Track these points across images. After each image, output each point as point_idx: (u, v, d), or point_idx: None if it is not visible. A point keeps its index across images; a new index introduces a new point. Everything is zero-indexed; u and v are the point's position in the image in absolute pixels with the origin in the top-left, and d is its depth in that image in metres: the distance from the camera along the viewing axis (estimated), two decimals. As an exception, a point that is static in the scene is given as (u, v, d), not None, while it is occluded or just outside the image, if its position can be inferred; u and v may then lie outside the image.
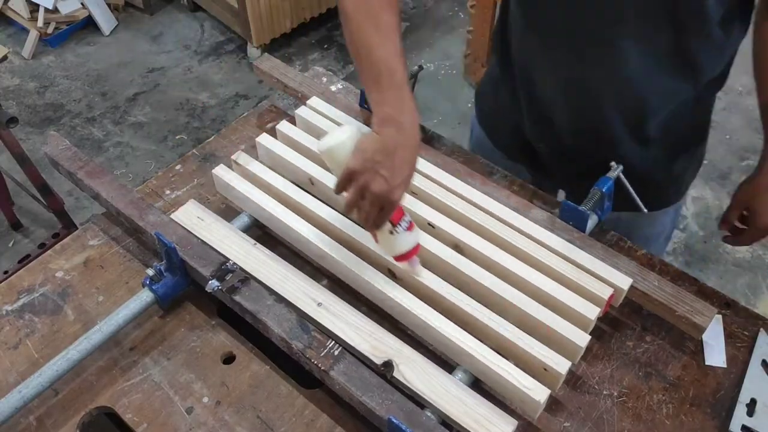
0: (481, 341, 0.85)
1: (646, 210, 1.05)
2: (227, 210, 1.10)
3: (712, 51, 0.95)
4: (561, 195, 1.24)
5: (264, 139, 1.11)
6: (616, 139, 1.05)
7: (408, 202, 1.00)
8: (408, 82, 0.83)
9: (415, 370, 0.83)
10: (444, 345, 0.88)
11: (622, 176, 1.01)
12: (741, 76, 1.15)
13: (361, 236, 0.97)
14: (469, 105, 2.74)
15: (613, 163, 1.02)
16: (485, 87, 1.26)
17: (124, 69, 3.06)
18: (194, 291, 0.97)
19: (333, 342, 0.85)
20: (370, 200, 0.80)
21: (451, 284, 0.91)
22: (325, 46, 3.17)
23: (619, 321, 0.96)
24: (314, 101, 1.17)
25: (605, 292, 0.90)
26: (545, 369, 0.83)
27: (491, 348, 0.85)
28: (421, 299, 0.89)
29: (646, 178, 1.06)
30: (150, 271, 0.93)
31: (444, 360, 0.90)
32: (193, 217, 1.01)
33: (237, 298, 0.89)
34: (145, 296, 0.92)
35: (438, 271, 0.93)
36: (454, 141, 1.21)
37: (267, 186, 1.04)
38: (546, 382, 0.82)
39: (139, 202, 1.01)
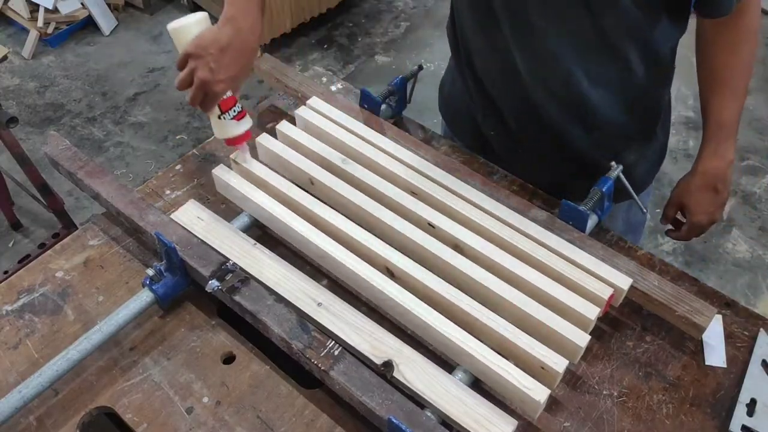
0: (480, 340, 0.85)
1: (645, 211, 1.05)
2: (227, 210, 1.10)
3: (635, 40, 0.96)
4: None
5: (264, 139, 1.11)
6: (557, 125, 1.06)
7: (408, 202, 1.00)
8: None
9: (415, 370, 0.83)
10: (444, 345, 0.88)
11: (622, 176, 1.01)
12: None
13: (361, 236, 0.97)
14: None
15: (613, 163, 1.02)
16: (445, 77, 1.28)
17: (124, 69, 3.06)
18: (194, 291, 0.97)
19: (333, 342, 0.85)
20: (196, 84, 0.90)
21: (451, 284, 0.91)
22: (325, 46, 3.17)
23: (619, 321, 0.96)
24: (314, 101, 1.17)
25: (605, 292, 0.90)
26: (543, 368, 0.83)
27: (490, 347, 0.85)
28: (421, 299, 0.89)
29: (595, 166, 1.06)
30: (150, 271, 0.93)
31: (444, 360, 0.90)
32: (193, 217, 1.01)
33: (237, 298, 0.89)
34: (145, 296, 0.92)
35: (438, 271, 0.93)
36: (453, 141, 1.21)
37: (267, 186, 1.04)
38: (543, 380, 0.82)
39: (139, 202, 1.01)
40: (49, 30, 3.12)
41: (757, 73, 2.89)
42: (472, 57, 1.09)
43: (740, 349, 0.93)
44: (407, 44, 3.19)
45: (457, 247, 0.96)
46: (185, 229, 0.98)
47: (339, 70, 3.04)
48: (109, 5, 3.28)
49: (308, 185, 1.06)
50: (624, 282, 0.92)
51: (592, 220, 1.01)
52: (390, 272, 0.94)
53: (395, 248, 0.96)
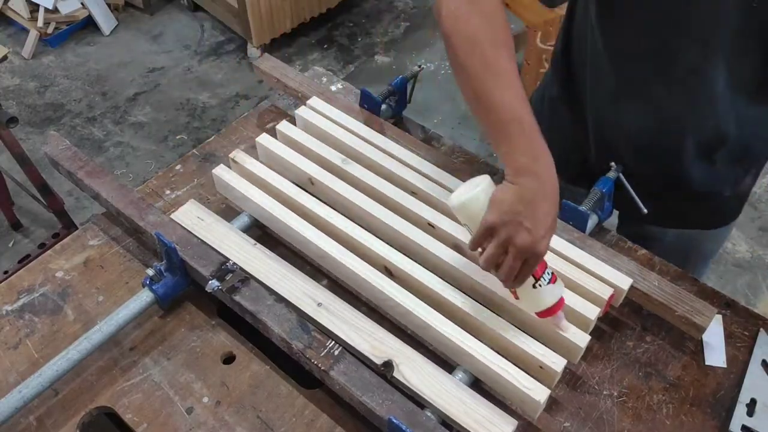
0: (479, 340, 0.85)
1: (645, 211, 1.05)
2: (227, 210, 1.10)
3: None
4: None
5: (264, 139, 1.11)
6: (685, 161, 1.00)
7: (408, 202, 1.00)
8: (538, 129, 0.78)
9: (415, 370, 0.83)
10: (444, 345, 0.88)
11: (622, 176, 1.01)
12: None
13: (361, 236, 0.97)
14: (469, 105, 2.73)
15: (613, 164, 1.02)
16: (539, 105, 1.17)
17: (124, 69, 3.06)
18: (194, 291, 0.97)
19: (333, 342, 0.85)
20: (514, 254, 0.76)
21: (451, 284, 0.91)
22: (325, 46, 3.17)
23: (619, 321, 0.96)
24: (314, 101, 1.17)
25: (605, 292, 0.90)
26: (541, 367, 0.83)
27: (489, 347, 0.85)
28: (421, 299, 0.89)
29: (713, 196, 1.04)
30: (150, 271, 0.93)
31: (444, 360, 0.90)
32: (193, 217, 1.01)
33: (237, 298, 0.89)
34: (145, 296, 0.92)
35: (438, 271, 0.93)
36: (454, 141, 1.21)
37: (267, 186, 1.04)
38: (542, 380, 0.82)
39: (139, 202, 1.01)
40: (49, 30, 3.12)
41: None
42: (601, 94, 1.01)
43: (740, 349, 0.93)
44: (407, 44, 3.19)
45: (457, 247, 0.96)
46: (185, 229, 0.98)
47: (339, 70, 3.04)
48: (109, 5, 3.28)
49: (308, 185, 1.06)
50: (624, 282, 0.92)
51: (592, 220, 1.01)
52: (389, 272, 0.94)
53: (395, 248, 0.96)
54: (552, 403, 0.87)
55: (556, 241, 0.96)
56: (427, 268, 0.93)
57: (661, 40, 0.88)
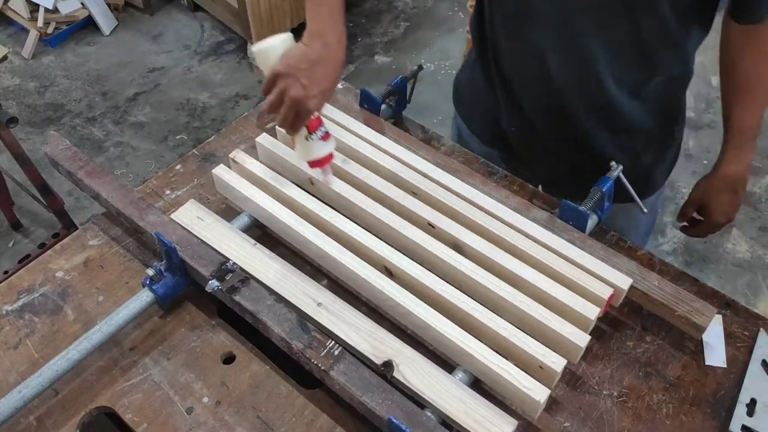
0: (479, 340, 0.85)
1: (645, 210, 1.05)
2: (227, 210, 1.10)
3: (670, 46, 0.97)
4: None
5: (264, 139, 1.11)
6: (584, 127, 1.07)
7: (408, 202, 1.00)
8: (343, 14, 0.91)
9: (415, 370, 0.83)
10: (444, 345, 0.88)
11: (622, 176, 1.01)
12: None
13: (361, 236, 0.97)
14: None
15: (613, 163, 1.02)
16: (463, 73, 1.29)
17: (124, 69, 3.06)
18: (194, 291, 0.97)
19: (333, 342, 0.85)
20: (288, 104, 0.87)
21: (451, 284, 0.91)
22: (325, 46, 3.17)
23: (619, 321, 0.96)
24: (314, 101, 1.17)
25: (605, 292, 0.90)
26: (541, 367, 0.83)
27: (489, 347, 0.85)
28: (421, 299, 0.89)
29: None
30: (150, 271, 0.93)
31: (444, 360, 0.90)
32: (193, 217, 1.01)
33: (237, 298, 0.89)
34: (145, 296, 0.92)
35: (438, 271, 0.93)
36: (454, 141, 1.21)
37: (267, 186, 1.04)
38: (542, 380, 0.82)
39: (139, 202, 1.01)
40: (49, 30, 3.12)
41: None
42: (500, 56, 1.09)
43: (740, 349, 0.93)
44: (407, 44, 3.19)
45: (457, 247, 0.96)
46: (185, 229, 0.98)
47: (339, 70, 3.04)
48: (109, 5, 3.28)
49: (308, 185, 1.06)
50: (624, 282, 0.92)
51: (592, 220, 1.01)
52: (389, 272, 0.94)
53: (395, 248, 0.96)
54: (552, 403, 0.87)
55: (556, 241, 0.96)
56: (427, 268, 0.93)
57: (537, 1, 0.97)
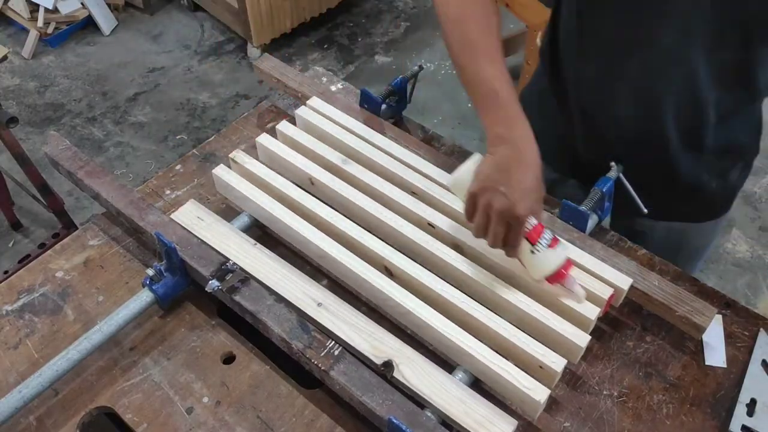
0: (479, 340, 0.85)
1: (645, 210, 1.05)
2: (227, 210, 1.10)
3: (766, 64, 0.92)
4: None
5: (264, 139, 1.11)
6: (672, 150, 1.02)
7: (408, 202, 1.00)
8: (516, 100, 0.83)
9: (415, 370, 0.83)
10: (444, 345, 0.88)
11: (622, 176, 1.01)
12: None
13: (361, 236, 0.97)
14: (469, 105, 2.74)
15: (613, 164, 1.02)
16: (529, 98, 1.18)
17: (124, 69, 3.06)
18: (194, 291, 0.97)
19: (333, 342, 0.85)
20: (495, 219, 0.80)
21: (451, 284, 0.91)
22: (325, 46, 3.17)
23: (619, 321, 0.96)
24: (314, 101, 1.17)
25: (605, 292, 0.90)
26: (541, 367, 0.83)
27: (489, 347, 0.85)
28: (421, 299, 0.89)
29: (700, 188, 1.05)
30: (150, 271, 0.93)
31: (444, 360, 0.90)
32: (193, 217, 1.01)
33: (237, 298, 0.89)
34: (145, 296, 0.92)
35: (438, 271, 0.93)
36: (454, 141, 1.21)
37: (267, 186, 1.04)
38: (542, 380, 0.82)
39: (139, 202, 1.01)
40: (49, 30, 3.12)
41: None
42: (585, 84, 1.03)
43: (740, 349, 0.93)
44: (407, 44, 3.19)
45: (457, 247, 0.96)
46: (185, 229, 0.98)
47: (339, 70, 3.04)
48: (109, 5, 3.28)
49: (308, 185, 1.06)
50: (624, 282, 0.92)
51: (592, 220, 1.01)
52: (389, 272, 0.94)
53: (395, 248, 0.96)
54: (552, 403, 0.87)
55: (556, 241, 0.96)
56: (427, 268, 0.93)
57: (640, 25, 0.90)
